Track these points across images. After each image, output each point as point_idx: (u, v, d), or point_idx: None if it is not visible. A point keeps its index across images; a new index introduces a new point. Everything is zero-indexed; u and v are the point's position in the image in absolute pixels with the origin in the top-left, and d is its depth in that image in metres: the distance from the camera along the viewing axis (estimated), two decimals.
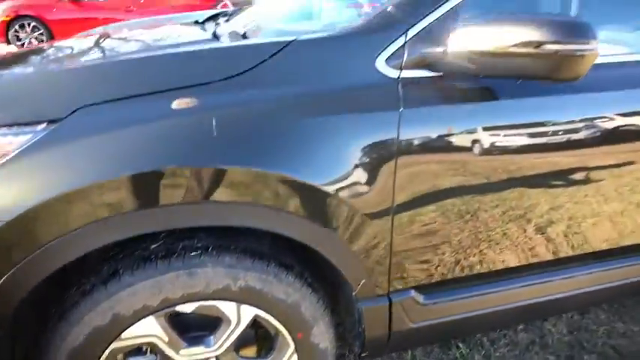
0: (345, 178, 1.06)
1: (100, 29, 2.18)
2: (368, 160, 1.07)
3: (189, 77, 1.02)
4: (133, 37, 1.62)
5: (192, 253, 1.03)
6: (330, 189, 1.05)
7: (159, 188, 0.94)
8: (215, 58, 1.10)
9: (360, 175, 1.07)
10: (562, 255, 1.41)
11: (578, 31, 0.97)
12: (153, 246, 1.03)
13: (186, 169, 0.95)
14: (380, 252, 1.15)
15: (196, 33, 1.54)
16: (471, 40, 1.05)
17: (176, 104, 0.98)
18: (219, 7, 8.62)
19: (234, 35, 1.39)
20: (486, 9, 1.23)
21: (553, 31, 0.96)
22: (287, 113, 1.04)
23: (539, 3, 1.60)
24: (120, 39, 1.62)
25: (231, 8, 8.76)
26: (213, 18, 2.14)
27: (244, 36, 1.43)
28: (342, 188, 1.06)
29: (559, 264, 1.43)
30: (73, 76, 1.08)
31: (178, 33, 1.66)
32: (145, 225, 0.97)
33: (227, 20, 1.72)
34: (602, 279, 1.51)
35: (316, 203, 1.05)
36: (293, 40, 1.10)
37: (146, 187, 0.94)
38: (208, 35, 1.53)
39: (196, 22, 1.97)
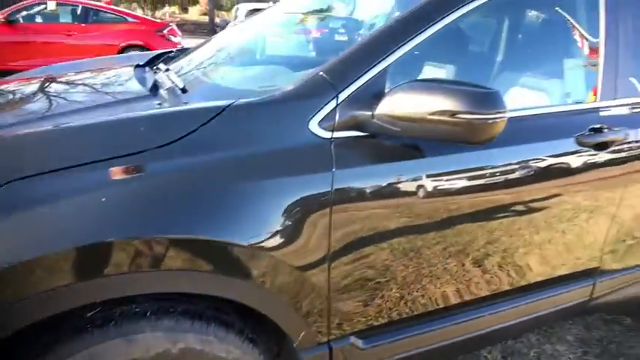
0: (282, 236, 1.11)
1: (39, 72, 2.14)
2: (304, 216, 1.13)
3: (125, 146, 1.03)
4: (69, 92, 1.61)
5: (130, 319, 1.03)
6: (267, 248, 1.09)
7: (97, 260, 0.95)
8: (151, 125, 1.12)
9: (297, 232, 1.13)
10: (496, 289, 1.53)
11: (489, 101, 1.08)
12: (89, 314, 1.02)
13: (124, 240, 0.96)
14: (318, 302, 1.21)
15: (135, 87, 1.55)
16: (394, 105, 1.14)
17: (113, 174, 0.99)
18: (165, 31, 8.55)
19: (172, 92, 1.41)
20: (410, 75, 1.33)
21: (466, 101, 1.06)
22: (224, 178, 1.07)
23: (456, 68, 1.74)
24: (56, 94, 1.60)
25: (178, 35, 8.59)
26: (155, 60, 2.16)
27: (184, 90, 1.46)
28: (278, 246, 1.10)
29: (495, 298, 1.54)
30: (6, 146, 1.07)
31: (117, 86, 1.66)
32: (84, 297, 0.97)
33: (167, 69, 1.74)
34: (535, 308, 1.64)
35: (253, 263, 1.09)
36: (229, 105, 1.14)
37: (84, 259, 0.94)
38: (148, 87, 1.54)
39: (138, 66, 1.98)
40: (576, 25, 1.67)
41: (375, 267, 1.26)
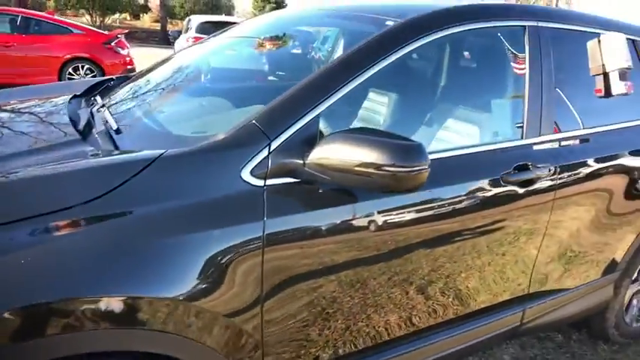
0: (213, 287, 1.11)
1: None
2: (236, 266, 1.13)
3: (50, 202, 1.01)
4: None
5: None
6: (199, 300, 1.09)
7: (20, 325, 0.92)
8: (77, 179, 1.10)
9: (229, 282, 1.13)
10: (433, 321, 1.59)
11: (412, 154, 1.13)
12: None
13: (49, 303, 0.93)
14: (252, 348, 1.21)
15: (66, 128, 1.50)
16: (324, 155, 1.17)
17: (34, 233, 0.96)
18: (113, 43, 8.31)
19: (104, 136, 1.38)
20: (344, 121, 1.37)
21: (390, 154, 1.10)
22: (153, 232, 1.06)
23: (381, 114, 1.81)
24: None
25: (127, 47, 8.34)
26: (94, 90, 2.10)
27: (118, 131, 1.43)
28: (210, 298, 1.11)
29: (431, 329, 1.60)
30: None
31: (47, 125, 1.60)
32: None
33: (102, 105, 1.70)
34: (471, 336, 1.71)
35: (184, 317, 1.08)
36: (158, 157, 1.13)
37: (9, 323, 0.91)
38: (80, 127, 1.50)
39: (75, 97, 1.92)
40: (503, 64, 1.78)
41: (308, 310, 1.28)
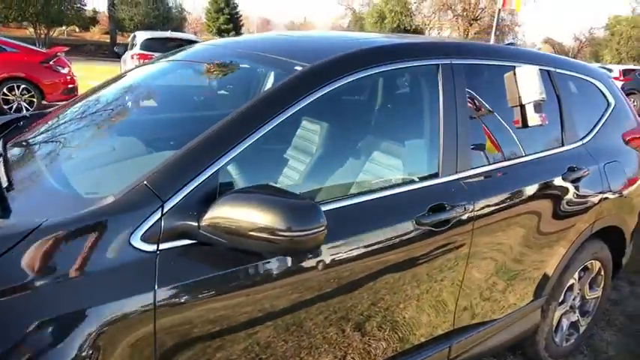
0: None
1: None
2: (125, 338, 1.06)
3: None
4: None
5: None
6: None
7: None
8: None
9: (121, 355, 1.05)
10: None
11: (307, 216, 1.09)
12: None
13: None
14: None
15: None
16: (219, 217, 1.11)
17: None
18: (52, 62, 7.95)
19: None
20: (243, 177, 1.32)
21: (285, 218, 1.06)
22: (30, 310, 0.98)
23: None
24: None
25: (67, 66, 8.00)
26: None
27: (10, 187, 1.33)
28: None
29: None
30: None
31: None
32: None
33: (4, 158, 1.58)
34: None
35: None
36: (37, 227, 1.05)
37: None
38: None
39: None
40: (418, 104, 1.79)
41: None
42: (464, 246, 1.69)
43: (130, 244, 1.09)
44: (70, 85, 8.08)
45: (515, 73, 2.01)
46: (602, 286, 2.57)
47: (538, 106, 2.00)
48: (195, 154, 1.21)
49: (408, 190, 1.58)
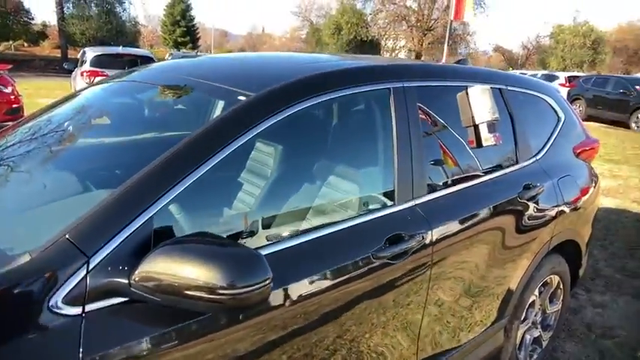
0: None
1: None
2: None
3: None
4: None
5: None
6: None
7: None
8: None
9: None
10: None
11: (251, 269, 0.99)
12: None
13: None
14: None
15: None
16: (151, 273, 0.99)
17: None
18: None
19: None
20: (179, 227, 1.21)
21: (225, 273, 0.95)
22: None
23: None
24: None
25: (10, 85, 7.54)
26: None
27: None
28: None
29: None
30: None
31: None
32: None
33: None
34: None
35: None
36: None
37: None
38: None
39: None
40: (371, 130, 1.73)
41: None
42: (424, 275, 1.63)
43: (50, 308, 0.96)
44: (14, 105, 7.62)
45: (467, 94, 1.99)
46: (561, 299, 2.59)
47: (492, 126, 1.98)
48: (125, 200, 1.09)
49: (364, 222, 1.50)
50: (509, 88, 2.24)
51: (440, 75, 1.91)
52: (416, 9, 34.48)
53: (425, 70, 1.89)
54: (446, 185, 1.82)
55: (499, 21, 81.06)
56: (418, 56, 35.42)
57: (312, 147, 1.71)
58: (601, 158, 8.48)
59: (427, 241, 1.61)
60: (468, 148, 1.96)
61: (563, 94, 11.89)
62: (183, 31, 51.51)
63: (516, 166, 2.16)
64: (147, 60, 9.88)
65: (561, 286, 2.55)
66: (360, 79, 1.59)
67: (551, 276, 2.44)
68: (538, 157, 2.30)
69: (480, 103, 1.97)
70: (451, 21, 15.19)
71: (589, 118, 15.09)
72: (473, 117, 1.98)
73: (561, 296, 2.58)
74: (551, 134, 2.45)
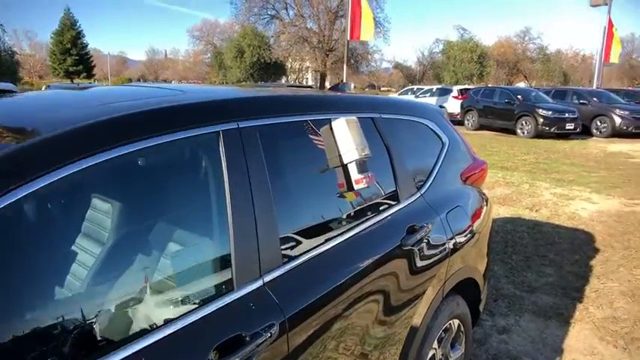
0: None
1: None
2: None
3: None
4: None
5: None
6: None
7: None
8: None
9: None
10: None
11: None
12: None
13: None
14: None
15: None
16: None
17: None
18: None
19: None
20: None
21: None
22: None
23: None
24: None
25: None
26: None
27: None
28: None
29: None
30: None
31: None
32: None
33: None
34: None
35: None
36: None
37: None
38: None
39: None
40: (194, 188, 1.31)
41: None
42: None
43: None
44: None
45: (331, 128, 1.66)
46: (464, 342, 2.34)
47: (362, 165, 1.66)
48: None
49: (194, 322, 1.07)
50: (382, 116, 1.96)
51: (292, 108, 1.55)
52: (317, 30, 35.19)
53: (268, 104, 1.50)
54: (309, 249, 1.44)
55: (397, 39, 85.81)
56: (323, 76, 36.08)
57: (140, 209, 1.23)
58: (495, 166, 8.89)
59: (279, 334, 1.21)
60: (335, 195, 1.63)
61: (457, 107, 12.51)
62: (75, 59, 47.92)
63: (397, 207, 1.86)
64: (3, 92, 8.68)
65: (462, 329, 2.30)
66: (171, 123, 1.17)
67: (451, 321, 2.17)
68: (422, 191, 2.04)
69: (347, 138, 1.65)
70: (347, 41, 15.48)
71: (481, 127, 16.09)
72: (340, 156, 1.65)
73: (463, 339, 2.33)
74: (435, 163, 2.21)
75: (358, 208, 1.71)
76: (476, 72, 41.53)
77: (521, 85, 42.91)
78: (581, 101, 15.47)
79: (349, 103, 1.84)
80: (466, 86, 20.50)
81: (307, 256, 1.41)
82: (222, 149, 1.25)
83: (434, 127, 2.32)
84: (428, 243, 1.89)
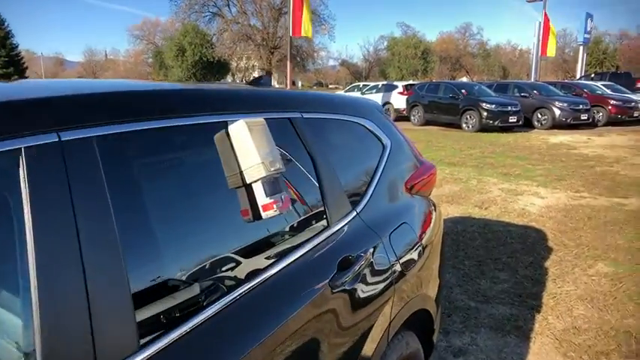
0: None
1: None
2: None
3: None
4: None
5: None
6: None
7: None
8: None
9: None
10: None
11: None
12: None
13: None
14: None
15: None
16: None
17: None
18: None
19: None
20: None
21: None
22: None
23: None
24: None
25: None
26: None
27: None
28: None
29: None
30: None
31: None
32: None
33: None
34: None
35: None
36: None
37: None
38: None
39: None
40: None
41: None
42: None
43: None
44: None
45: (228, 135, 1.21)
46: None
47: (272, 184, 1.22)
48: None
49: None
50: (305, 115, 1.53)
51: (158, 108, 1.07)
52: (260, 28, 34.42)
53: (121, 102, 1.00)
54: (193, 314, 0.98)
55: (343, 36, 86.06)
56: (269, 74, 35.37)
57: None
58: (442, 162, 8.74)
59: None
60: (245, 218, 1.19)
61: (402, 103, 12.31)
62: (5, 61, 44.53)
63: (326, 234, 1.44)
64: None
65: None
66: None
67: None
68: (359, 208, 1.62)
69: (248, 147, 1.20)
70: (291, 38, 15.02)
71: (427, 122, 16.12)
72: (241, 173, 1.20)
73: None
74: (374, 172, 1.81)
75: (271, 242, 1.27)
76: (420, 68, 42.24)
77: (464, 79, 44.20)
78: (522, 94, 15.82)
79: (255, 100, 1.38)
80: (411, 82, 20.58)
81: (198, 320, 0.95)
82: (23, 176, 0.77)
83: (372, 127, 1.91)
84: (367, 277, 1.48)
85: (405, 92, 17.53)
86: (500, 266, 3.93)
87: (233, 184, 1.21)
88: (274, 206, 1.20)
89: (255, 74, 45.65)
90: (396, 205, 1.86)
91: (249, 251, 1.22)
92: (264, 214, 1.19)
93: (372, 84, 20.95)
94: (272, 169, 1.21)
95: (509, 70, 51.62)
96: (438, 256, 2.09)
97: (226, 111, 1.23)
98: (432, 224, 2.06)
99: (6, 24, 45.26)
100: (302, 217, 1.42)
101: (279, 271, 1.22)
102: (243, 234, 1.23)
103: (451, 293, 3.46)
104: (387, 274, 1.58)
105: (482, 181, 7.21)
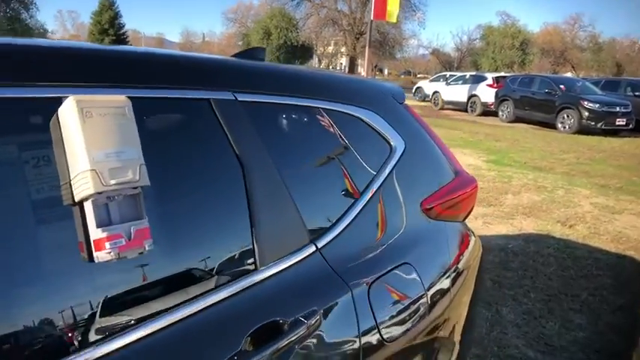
0: None
1: None
2: None
3: None
4: None
5: None
6: None
7: None
8: None
9: None
10: None
11: None
12: None
13: None
14: None
15: None
16: None
17: None
18: None
19: None
20: None
21: None
22: None
23: None
24: None
25: None
26: None
27: None
28: None
29: None
30: None
31: None
32: None
33: None
34: None
35: None
36: None
37: None
38: None
39: None
40: None
41: None
42: None
43: None
44: None
45: (58, 124, 0.73)
46: None
47: (109, 208, 0.72)
48: None
49: None
50: (240, 97, 0.99)
51: None
52: (347, 12, 33.75)
53: None
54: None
55: (435, 24, 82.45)
56: (353, 60, 34.73)
57: None
58: (526, 165, 7.69)
59: None
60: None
61: (490, 96, 11.02)
62: (113, 40, 48.22)
63: (244, 282, 0.90)
64: None
65: None
66: None
67: None
68: (323, 241, 1.06)
69: (77, 143, 0.71)
70: (371, 21, 14.28)
71: (517, 119, 14.63)
72: (70, 184, 0.72)
73: None
74: (366, 186, 1.23)
75: (140, 296, 0.77)
76: (517, 59, 39.05)
77: (569, 75, 40.23)
78: (637, 93, 13.72)
79: (127, 66, 0.87)
80: (503, 74, 18.87)
81: None
82: None
83: (376, 121, 1.33)
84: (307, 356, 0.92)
85: (495, 85, 16.06)
86: (578, 306, 3.10)
87: (66, 201, 0.73)
88: (107, 245, 0.69)
89: (342, 61, 45.12)
90: (397, 235, 1.27)
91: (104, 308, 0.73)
92: (96, 255, 0.70)
93: (458, 74, 19.56)
94: (112, 181, 0.70)
95: (625, 66, 46.01)
96: (463, 318, 1.45)
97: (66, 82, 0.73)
98: (460, 265, 1.44)
99: (116, 5, 48.92)
100: (204, 258, 0.89)
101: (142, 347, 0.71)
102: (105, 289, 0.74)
103: (505, 335, 2.75)
104: (350, 354, 1.01)
105: (572, 191, 6.13)
